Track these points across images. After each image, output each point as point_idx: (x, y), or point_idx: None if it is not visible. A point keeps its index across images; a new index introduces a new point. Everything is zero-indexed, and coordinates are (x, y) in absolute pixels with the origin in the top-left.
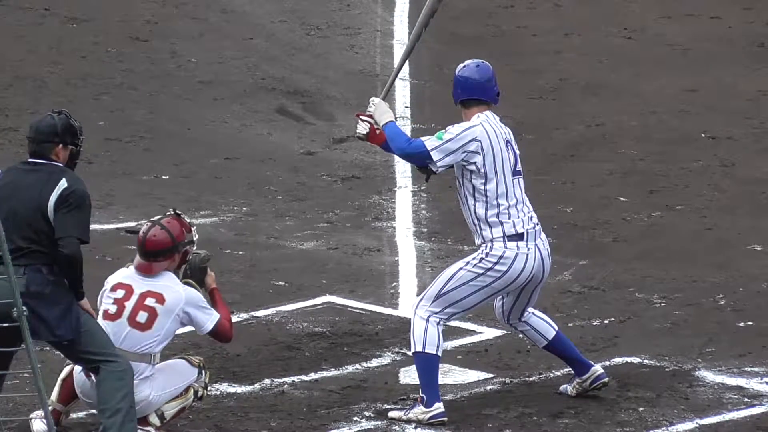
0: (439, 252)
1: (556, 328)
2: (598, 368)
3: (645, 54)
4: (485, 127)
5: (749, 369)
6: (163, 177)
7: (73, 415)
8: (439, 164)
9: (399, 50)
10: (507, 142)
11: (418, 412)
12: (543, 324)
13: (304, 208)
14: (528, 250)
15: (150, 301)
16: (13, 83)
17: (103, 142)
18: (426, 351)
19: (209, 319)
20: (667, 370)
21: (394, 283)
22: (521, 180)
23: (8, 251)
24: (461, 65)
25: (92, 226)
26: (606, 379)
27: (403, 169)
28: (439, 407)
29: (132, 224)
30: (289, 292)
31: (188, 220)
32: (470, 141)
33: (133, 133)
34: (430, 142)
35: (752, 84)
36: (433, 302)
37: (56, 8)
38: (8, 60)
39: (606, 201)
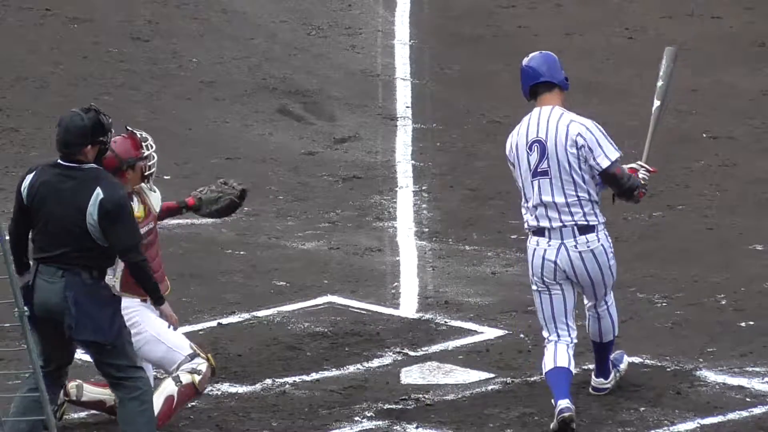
0: (440, 252)
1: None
2: (604, 382)
3: (646, 54)
4: (511, 139)
5: (751, 369)
6: (165, 177)
7: (74, 415)
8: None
9: (400, 50)
10: (534, 142)
11: None
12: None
13: (305, 208)
14: (537, 245)
15: None
16: (14, 83)
17: None
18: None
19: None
20: (668, 369)
21: (396, 284)
22: (546, 180)
23: (47, 255)
24: (527, 57)
25: None
26: (599, 392)
27: (404, 169)
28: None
29: None
30: (291, 292)
31: (140, 135)
32: (508, 156)
33: None
34: None
35: (753, 84)
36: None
37: (57, 8)
38: (9, 60)
39: (607, 201)
